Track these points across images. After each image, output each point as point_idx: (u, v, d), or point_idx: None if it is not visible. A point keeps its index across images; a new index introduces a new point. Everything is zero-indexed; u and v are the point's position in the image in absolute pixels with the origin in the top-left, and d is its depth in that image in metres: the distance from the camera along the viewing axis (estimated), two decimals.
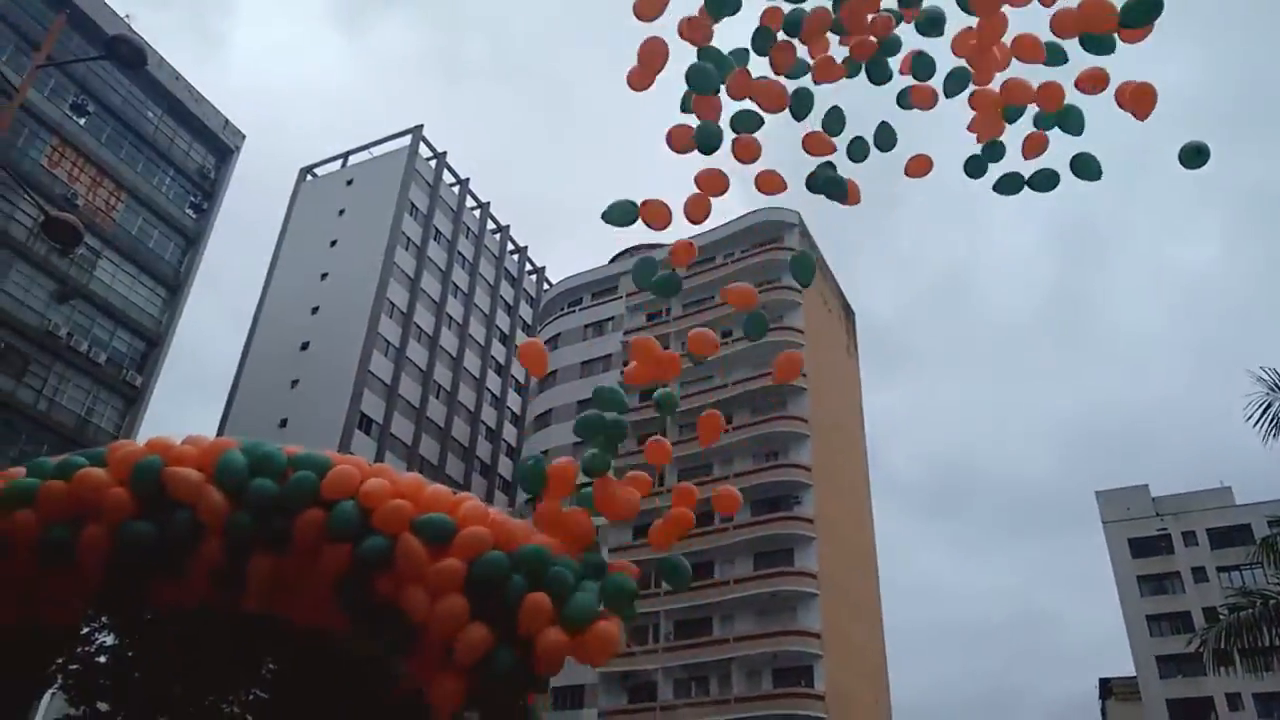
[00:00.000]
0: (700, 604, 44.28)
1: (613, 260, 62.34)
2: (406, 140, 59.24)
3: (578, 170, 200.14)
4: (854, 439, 57.45)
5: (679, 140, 6.90)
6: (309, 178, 61.53)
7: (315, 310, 53.14)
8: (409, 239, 56.13)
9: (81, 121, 37.53)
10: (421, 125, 59.72)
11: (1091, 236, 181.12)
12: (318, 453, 5.59)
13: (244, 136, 44.74)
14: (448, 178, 62.29)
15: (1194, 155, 6.23)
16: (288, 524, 5.11)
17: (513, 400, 65.41)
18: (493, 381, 63.48)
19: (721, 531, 45.71)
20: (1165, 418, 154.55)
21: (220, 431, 51.06)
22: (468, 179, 64.07)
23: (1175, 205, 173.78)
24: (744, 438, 47.75)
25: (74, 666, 22.00)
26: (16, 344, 33.32)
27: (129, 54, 13.13)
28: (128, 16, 39.10)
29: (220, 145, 43.77)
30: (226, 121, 44.06)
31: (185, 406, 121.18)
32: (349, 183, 59.01)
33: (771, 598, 43.37)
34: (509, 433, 64.12)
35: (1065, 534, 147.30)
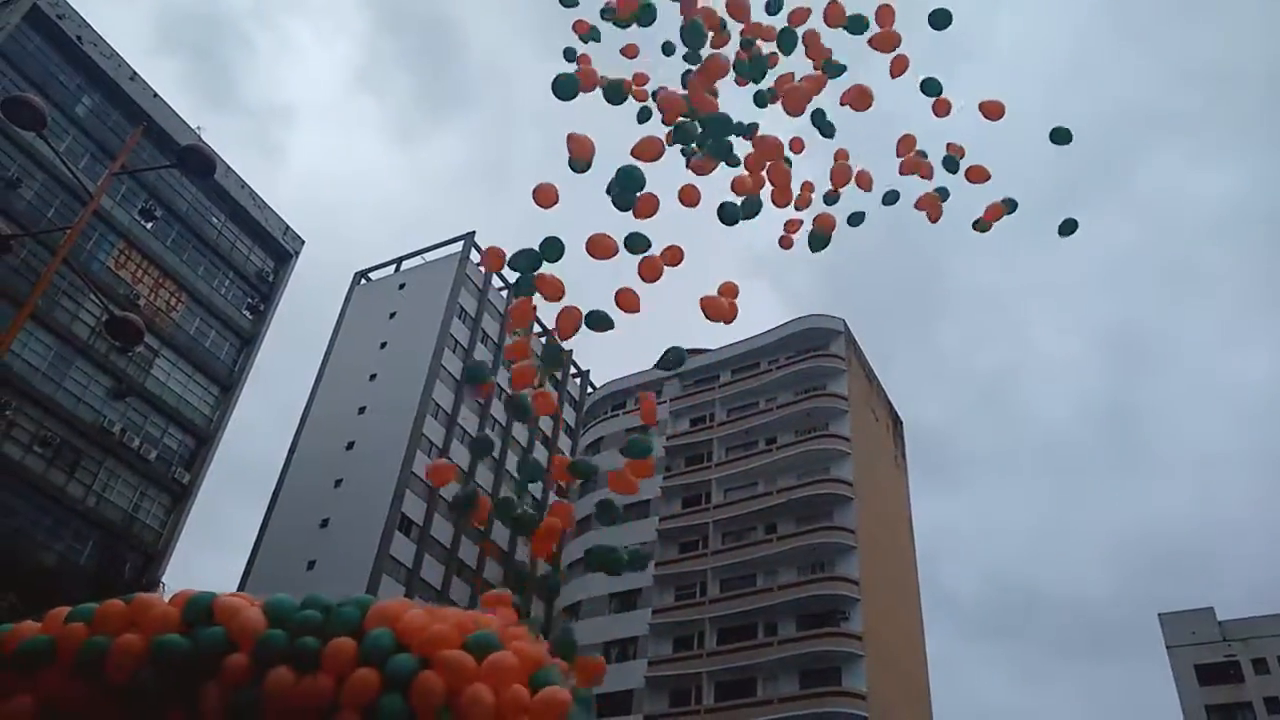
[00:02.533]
0: None
1: (656, 365, 62.50)
2: (458, 246, 60.81)
3: (623, 274, 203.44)
4: (904, 552, 55.79)
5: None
6: (363, 281, 63.21)
7: (362, 410, 53.74)
8: (457, 341, 56.99)
9: (149, 226, 39.12)
10: (473, 232, 61.37)
11: (1140, 345, 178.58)
12: (366, 597, 5.47)
13: (303, 242, 46.24)
14: (496, 282, 63.57)
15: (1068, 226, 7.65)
16: (320, 646, 4.91)
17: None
18: (534, 485, 63.14)
19: (765, 646, 44.15)
20: (1230, 536, 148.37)
21: (263, 530, 51.19)
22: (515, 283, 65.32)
23: (1225, 313, 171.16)
24: (788, 548, 46.57)
25: None
26: (71, 439, 33.96)
27: (199, 164, 13.66)
28: (199, 128, 41.18)
29: (280, 249, 45.24)
30: (287, 227, 45.65)
31: (229, 503, 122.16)
32: (401, 286, 60.47)
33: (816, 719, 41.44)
34: None
35: (1128, 657, 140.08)
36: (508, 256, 7.37)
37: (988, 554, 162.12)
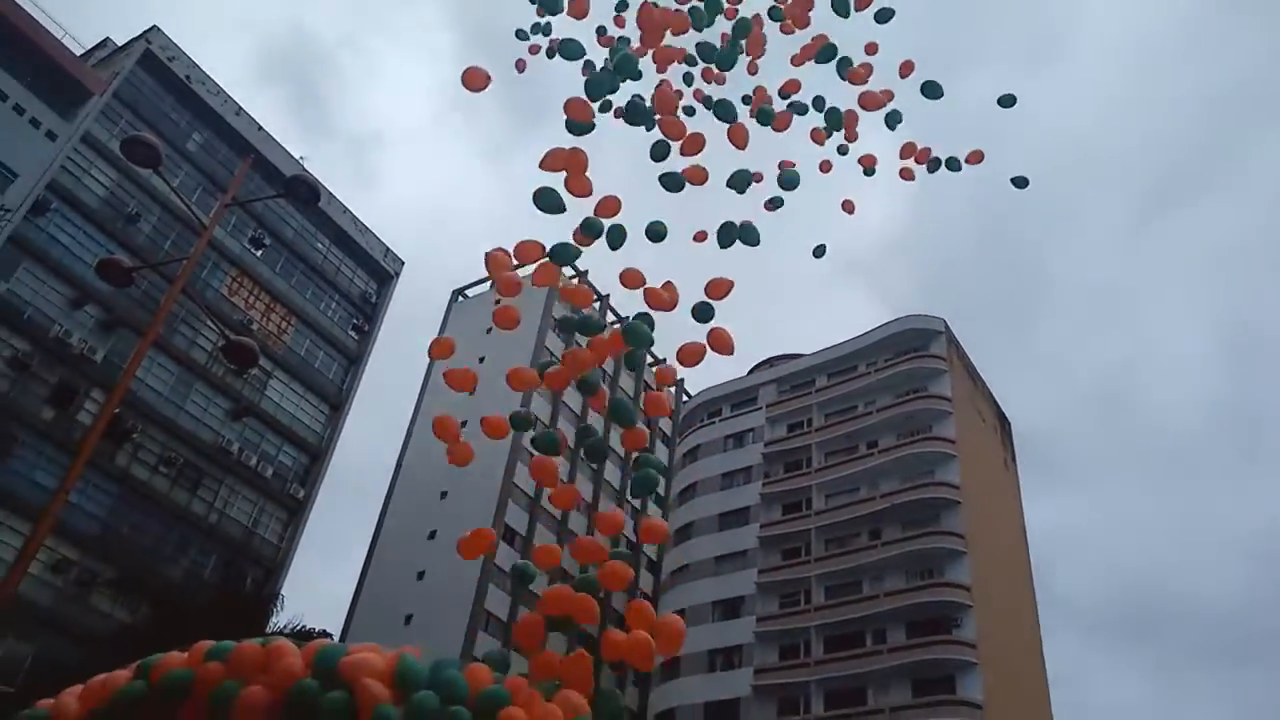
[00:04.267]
0: None
1: (751, 371, 62.08)
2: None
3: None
4: (1017, 557, 53.83)
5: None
6: (459, 299, 64.70)
7: (464, 424, 54.56)
8: (552, 354, 57.72)
9: (258, 254, 40.93)
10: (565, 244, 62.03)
11: (1262, 338, 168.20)
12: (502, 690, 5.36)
13: (402, 263, 47.66)
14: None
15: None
16: None
17: (653, 512, 64.97)
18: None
19: (875, 655, 43.14)
20: None
21: (374, 542, 52.78)
22: (608, 295, 65.82)
23: None
24: (895, 554, 45.44)
25: None
26: (193, 459, 35.69)
27: (305, 192, 14.23)
28: (302, 158, 42.94)
29: (381, 271, 46.71)
30: (387, 250, 47.10)
31: (340, 518, 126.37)
32: (496, 302, 61.47)
33: None
34: (649, 546, 63.48)
35: (1275, 659, 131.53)
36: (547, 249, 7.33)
37: (1108, 557, 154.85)
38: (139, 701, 4.96)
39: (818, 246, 11.06)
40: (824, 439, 52.49)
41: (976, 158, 9.73)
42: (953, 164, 9.44)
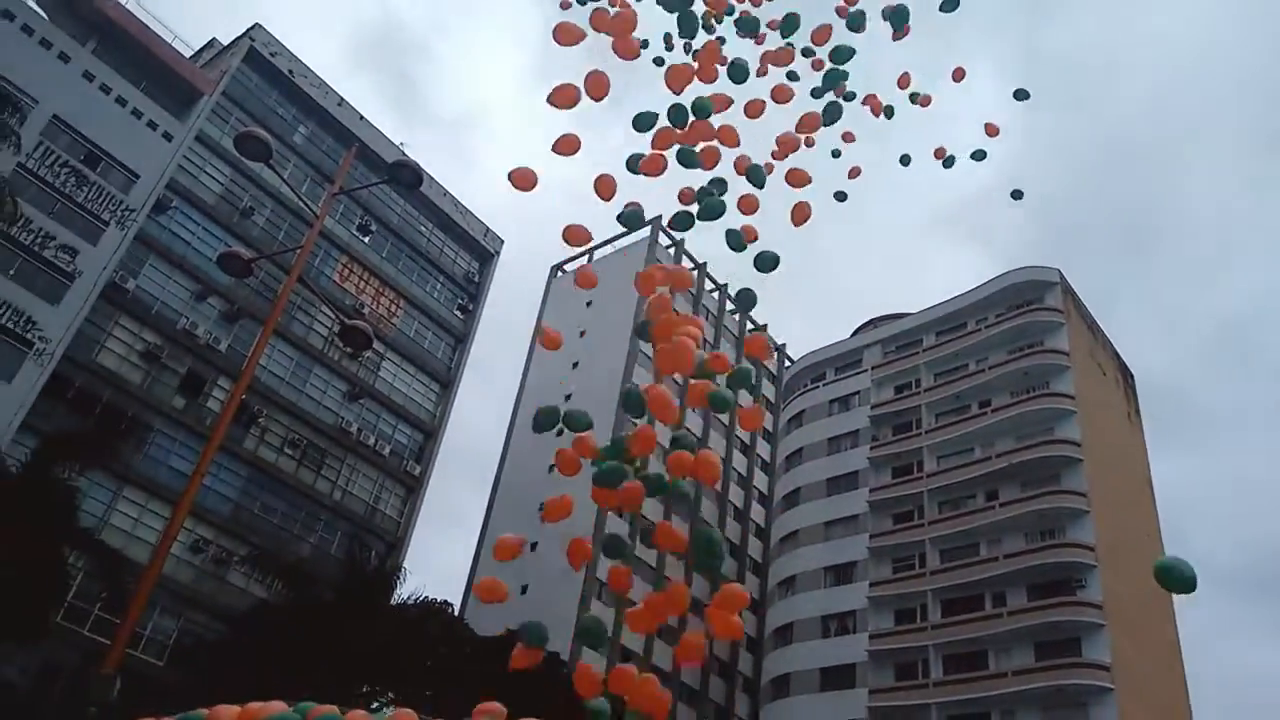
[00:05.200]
0: (976, 697, 40.70)
1: (855, 333, 60.89)
2: (647, 232, 61.60)
3: (817, 242, 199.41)
4: (1144, 515, 51.51)
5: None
6: (559, 274, 65.37)
7: (568, 397, 55.62)
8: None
9: (366, 240, 42.17)
10: (660, 216, 61.89)
11: None
12: None
13: (502, 241, 48.39)
14: (686, 263, 63.89)
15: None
16: None
17: (759, 479, 64.71)
18: (739, 462, 63.21)
19: (994, 618, 42.08)
20: None
21: (488, 514, 54.23)
22: (705, 263, 65.41)
23: None
24: (1013, 515, 44.07)
25: None
26: (315, 440, 37.25)
27: (408, 177, 14.52)
28: (402, 144, 43.90)
29: (482, 251, 47.56)
30: (487, 230, 47.89)
31: (455, 492, 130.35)
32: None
33: (1056, 693, 39.05)
34: (756, 512, 63.32)
35: None
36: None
37: (1247, 513, 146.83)
38: None
39: (948, 159, 10.06)
40: (934, 399, 51.17)
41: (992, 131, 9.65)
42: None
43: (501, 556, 6.48)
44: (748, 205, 7.22)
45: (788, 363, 69.67)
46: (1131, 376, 57.54)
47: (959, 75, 10.20)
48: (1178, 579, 4.65)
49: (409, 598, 28.77)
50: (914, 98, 9.57)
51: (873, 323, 60.98)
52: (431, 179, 44.99)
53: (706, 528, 6.09)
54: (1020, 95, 10.22)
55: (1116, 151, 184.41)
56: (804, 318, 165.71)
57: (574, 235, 7.00)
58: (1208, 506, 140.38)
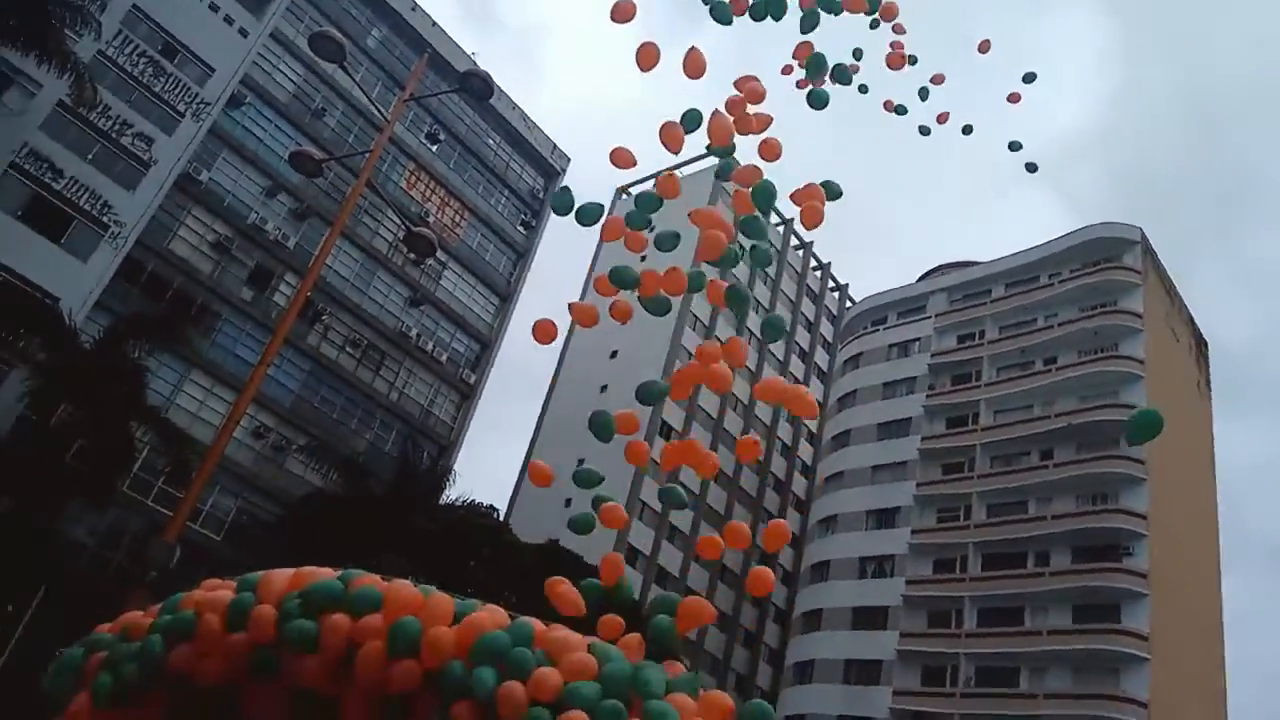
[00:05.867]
0: (1007, 652, 40.76)
1: (921, 278, 59.63)
2: (715, 161, 60.51)
3: (889, 185, 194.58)
4: (1203, 487, 50.36)
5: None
6: (624, 196, 64.83)
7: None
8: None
9: (434, 149, 42.16)
10: (732, 147, 60.71)
11: None
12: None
13: (569, 159, 47.99)
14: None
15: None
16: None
17: (815, 387, 64.54)
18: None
19: (1036, 576, 41.81)
20: None
21: (537, 430, 55.09)
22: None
23: None
24: (1067, 476, 43.37)
25: None
26: (376, 342, 37.98)
27: (480, 88, 14.37)
28: (474, 54, 43.46)
29: (549, 167, 47.28)
30: (554, 146, 47.50)
31: (508, 403, 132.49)
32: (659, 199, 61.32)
33: (1090, 656, 38.87)
34: (804, 450, 63.31)
35: None
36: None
37: None
38: (334, 599, 5.25)
39: (1013, 142, 10.71)
40: (996, 352, 50.15)
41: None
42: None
43: (538, 482, 6.75)
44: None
45: (849, 303, 68.71)
46: (1206, 345, 55.65)
47: (984, 47, 10.27)
48: (1143, 425, 5.01)
49: (457, 499, 29.55)
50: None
51: (941, 269, 59.61)
52: (501, 92, 44.57)
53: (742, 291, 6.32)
54: (1014, 146, 10.60)
55: (1215, 109, 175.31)
56: (871, 258, 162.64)
57: (620, 158, 7.04)
58: (1272, 482, 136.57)
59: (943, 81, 9.72)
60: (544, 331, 6.55)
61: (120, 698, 5.55)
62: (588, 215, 6.63)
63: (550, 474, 6.80)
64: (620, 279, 6.26)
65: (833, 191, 6.89)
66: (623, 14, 6.87)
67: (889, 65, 8.63)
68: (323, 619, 5.12)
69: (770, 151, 6.84)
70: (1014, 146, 10.53)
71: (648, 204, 7.06)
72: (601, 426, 6.30)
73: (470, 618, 5.06)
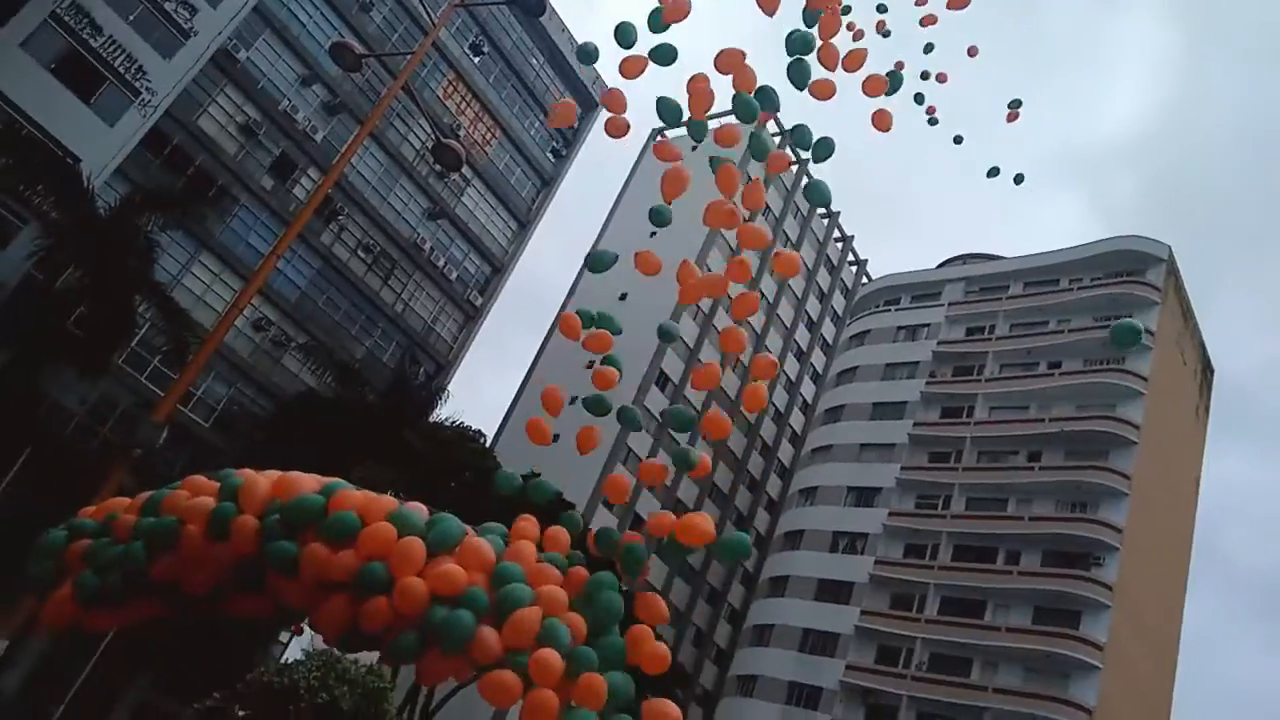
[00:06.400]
0: (964, 643, 41.43)
1: (940, 265, 59.22)
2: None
3: (921, 168, 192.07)
4: (1183, 510, 50.69)
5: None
6: (659, 138, 63.99)
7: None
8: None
9: (476, 61, 41.47)
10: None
11: None
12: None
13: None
14: (790, 154, 62.11)
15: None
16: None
17: (807, 388, 64.64)
18: (790, 365, 63.04)
19: (1004, 574, 42.31)
20: None
21: (537, 358, 55.19)
22: (806, 160, 63.31)
23: None
24: (1050, 480, 43.63)
25: None
26: (388, 250, 37.83)
27: (532, 4, 14.09)
28: None
29: (588, 98, 46.52)
30: (598, 77, 46.70)
31: (512, 328, 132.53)
32: (693, 148, 60.50)
33: (1046, 658, 39.52)
34: (796, 419, 63.52)
35: None
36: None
37: None
38: (314, 516, 5.33)
39: (992, 168, 10.95)
40: (1003, 349, 50.06)
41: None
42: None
43: (550, 410, 6.82)
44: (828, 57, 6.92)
45: (865, 280, 68.35)
46: (1212, 371, 55.53)
47: (972, 52, 10.27)
48: (1122, 332, 5.36)
49: (446, 419, 29.74)
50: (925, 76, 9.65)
51: (961, 258, 59.20)
52: (553, 10, 43.77)
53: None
54: (1018, 179, 10.55)
55: (1270, 134, 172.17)
56: (893, 240, 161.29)
57: (612, 100, 6.88)
58: (1252, 512, 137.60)
59: (946, 80, 9.91)
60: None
61: (107, 599, 5.66)
62: (600, 263, 6.57)
63: (560, 399, 6.94)
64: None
65: (803, 141, 6.81)
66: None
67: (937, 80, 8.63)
68: (302, 549, 5.24)
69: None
70: (992, 173, 10.78)
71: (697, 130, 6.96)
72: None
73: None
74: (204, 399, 31.53)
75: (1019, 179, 11.15)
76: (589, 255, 6.62)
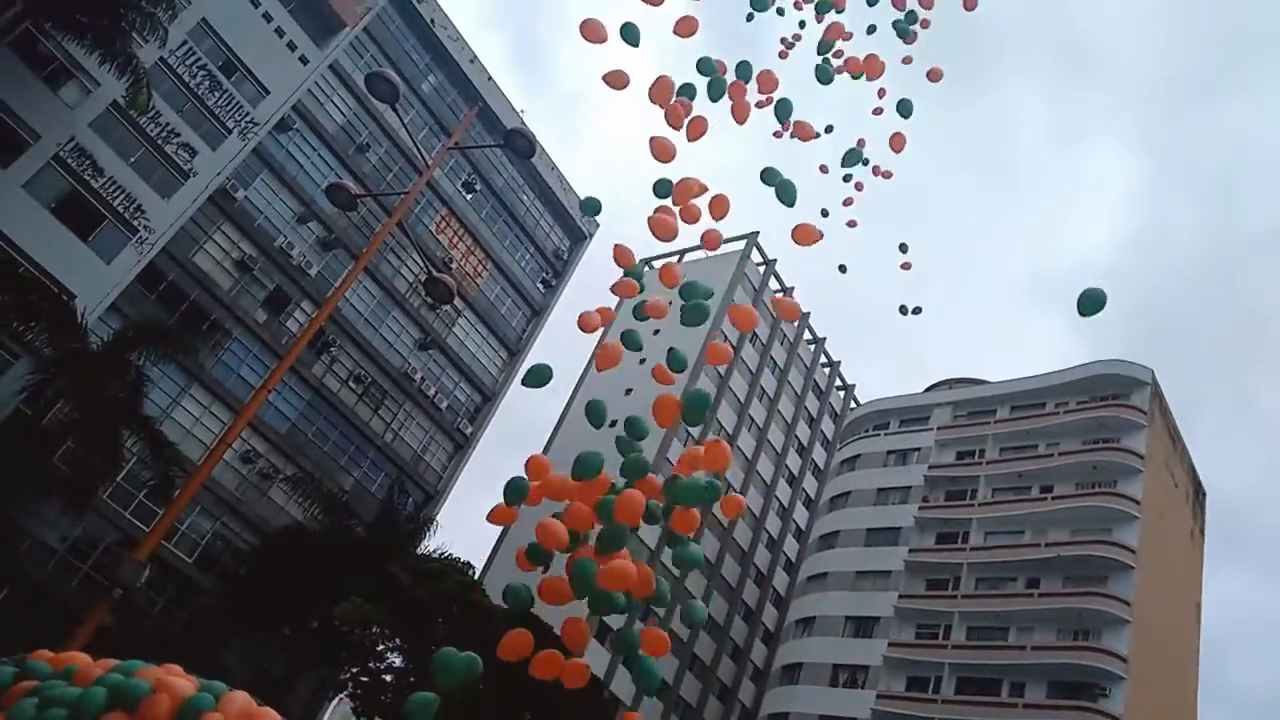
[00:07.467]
0: None
1: (927, 390, 59.70)
2: (741, 245, 61.27)
3: (909, 292, 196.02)
4: (1186, 635, 49.53)
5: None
6: (647, 268, 65.41)
7: (629, 392, 55.54)
8: (725, 337, 57.46)
9: (469, 198, 42.80)
10: (757, 232, 61.56)
11: None
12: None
13: (598, 225, 48.60)
14: (774, 284, 63.44)
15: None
16: None
17: (800, 514, 63.98)
18: (782, 490, 62.59)
19: (1009, 707, 40.87)
20: None
21: None
22: (793, 288, 64.84)
23: None
24: (1051, 607, 42.71)
25: (364, 679, 23.91)
26: (379, 380, 37.98)
27: (523, 146, 14.65)
28: (522, 111, 44.37)
29: (576, 230, 47.87)
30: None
31: (502, 457, 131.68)
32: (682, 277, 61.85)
33: None
34: (790, 546, 62.59)
35: None
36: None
37: None
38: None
39: (902, 244, 11.49)
40: (995, 473, 49.89)
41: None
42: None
43: (604, 366, 6.97)
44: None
45: (853, 404, 68.71)
46: (1204, 494, 55.34)
47: (935, 76, 10.02)
48: (1090, 299, 5.44)
49: (434, 550, 29.19)
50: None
51: (948, 383, 59.74)
52: (542, 150, 45.43)
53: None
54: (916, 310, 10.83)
55: (1234, 259, 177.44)
56: (881, 364, 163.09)
57: (620, 256, 7.14)
58: (1257, 634, 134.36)
59: (862, 188, 10.36)
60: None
61: None
62: (536, 377, 6.54)
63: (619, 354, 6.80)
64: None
65: (786, 192, 6.85)
66: (686, 29, 7.17)
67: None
68: None
69: (719, 209, 6.91)
70: (903, 248, 11.37)
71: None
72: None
73: None
74: (188, 534, 30.92)
75: (918, 310, 11.80)
76: (527, 372, 6.60)
